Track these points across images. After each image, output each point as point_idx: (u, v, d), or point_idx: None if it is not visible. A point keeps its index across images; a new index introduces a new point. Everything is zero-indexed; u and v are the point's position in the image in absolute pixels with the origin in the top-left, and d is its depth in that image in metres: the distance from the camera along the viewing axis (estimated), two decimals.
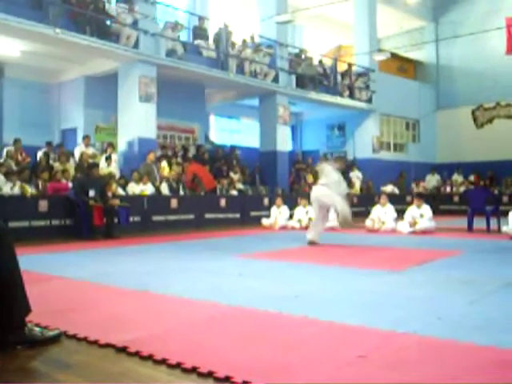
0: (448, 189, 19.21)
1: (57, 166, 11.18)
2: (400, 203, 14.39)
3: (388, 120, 21.23)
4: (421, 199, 10.99)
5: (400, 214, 11.34)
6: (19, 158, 10.94)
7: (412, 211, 10.74)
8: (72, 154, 12.02)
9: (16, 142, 11.22)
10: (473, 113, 21.72)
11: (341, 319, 3.29)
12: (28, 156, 11.34)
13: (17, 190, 9.38)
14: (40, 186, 10.07)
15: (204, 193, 12.91)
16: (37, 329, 2.88)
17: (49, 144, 12.14)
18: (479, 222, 10.60)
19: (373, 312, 3.55)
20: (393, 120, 21.50)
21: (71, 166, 11.41)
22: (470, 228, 10.61)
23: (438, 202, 17.13)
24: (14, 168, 10.25)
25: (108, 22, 12.11)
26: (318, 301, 3.97)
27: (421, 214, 10.56)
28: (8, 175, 9.52)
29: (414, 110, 21.98)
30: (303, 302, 3.89)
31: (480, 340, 2.83)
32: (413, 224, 10.50)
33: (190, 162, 13.55)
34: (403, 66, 23.12)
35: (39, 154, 11.71)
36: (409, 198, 16.00)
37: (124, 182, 11.53)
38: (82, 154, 11.68)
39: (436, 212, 11.38)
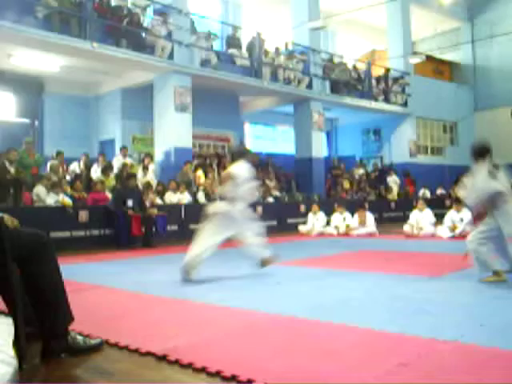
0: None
1: (96, 177, 11.41)
2: (439, 208, 14.14)
3: (425, 123, 20.91)
4: (460, 203, 10.77)
5: (439, 218, 11.14)
6: (61, 170, 11.19)
7: (452, 215, 10.54)
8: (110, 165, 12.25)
9: (59, 154, 11.52)
10: None
11: (380, 327, 3.26)
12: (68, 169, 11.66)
13: (57, 202, 9.61)
14: (77, 196, 10.28)
15: None
16: (79, 337, 2.94)
17: (86, 155, 12.41)
18: None
19: (413, 319, 3.50)
20: (430, 123, 21.16)
21: (111, 178, 11.61)
22: None
23: None
24: (56, 180, 10.49)
25: (143, 35, 12.33)
26: (357, 308, 3.94)
27: (461, 219, 10.34)
28: (51, 187, 9.76)
29: (452, 113, 21.59)
30: (342, 310, 3.86)
31: None
32: (452, 229, 10.30)
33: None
34: (439, 68, 22.75)
35: (74, 166, 12.01)
36: (448, 203, 15.70)
37: (162, 189, 11.70)
38: (123, 165, 11.88)
39: None
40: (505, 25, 20.38)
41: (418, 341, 2.96)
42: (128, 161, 12.31)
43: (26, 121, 13.91)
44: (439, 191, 18.53)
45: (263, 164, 15.71)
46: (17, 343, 2.58)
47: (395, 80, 19.04)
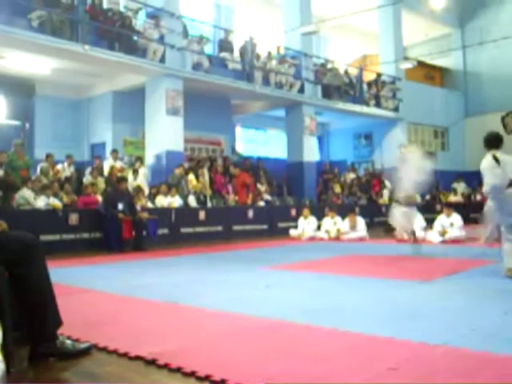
0: (478, 197, 18.85)
1: (87, 180, 11.36)
2: (429, 212, 14.19)
3: (416, 128, 21.02)
4: (450, 208, 10.83)
5: (430, 223, 11.18)
6: (51, 172, 11.13)
7: (442, 220, 10.58)
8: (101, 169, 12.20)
9: (48, 157, 11.44)
10: (502, 119, 21.34)
11: (371, 331, 3.25)
12: (59, 171, 11.57)
13: (47, 205, 9.54)
14: (66, 199, 10.22)
15: (252, 202, 13.38)
16: (68, 341, 2.92)
17: (69, 157, 12.30)
18: None
19: (403, 323, 3.50)
20: (421, 128, 21.28)
21: (101, 180, 11.56)
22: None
23: (469, 211, 16.83)
24: (46, 182, 10.43)
25: (135, 38, 12.31)
26: (348, 312, 3.93)
27: (451, 223, 10.39)
28: (41, 190, 9.69)
29: (443, 118, 21.72)
30: (333, 314, 3.86)
31: None
32: (442, 233, 10.34)
33: (239, 173, 13.99)
34: (430, 73, 22.89)
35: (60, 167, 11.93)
36: (438, 207, 15.78)
37: (156, 192, 11.68)
38: (111, 168, 11.84)
39: (466, 221, 11.16)
40: (495, 31, 20.54)
41: (409, 345, 2.96)
42: (118, 164, 12.26)
43: (17, 123, 13.83)
44: (429, 196, 18.61)
45: (254, 168, 15.72)
46: (4, 348, 2.55)
47: (384, 84, 19.10)
